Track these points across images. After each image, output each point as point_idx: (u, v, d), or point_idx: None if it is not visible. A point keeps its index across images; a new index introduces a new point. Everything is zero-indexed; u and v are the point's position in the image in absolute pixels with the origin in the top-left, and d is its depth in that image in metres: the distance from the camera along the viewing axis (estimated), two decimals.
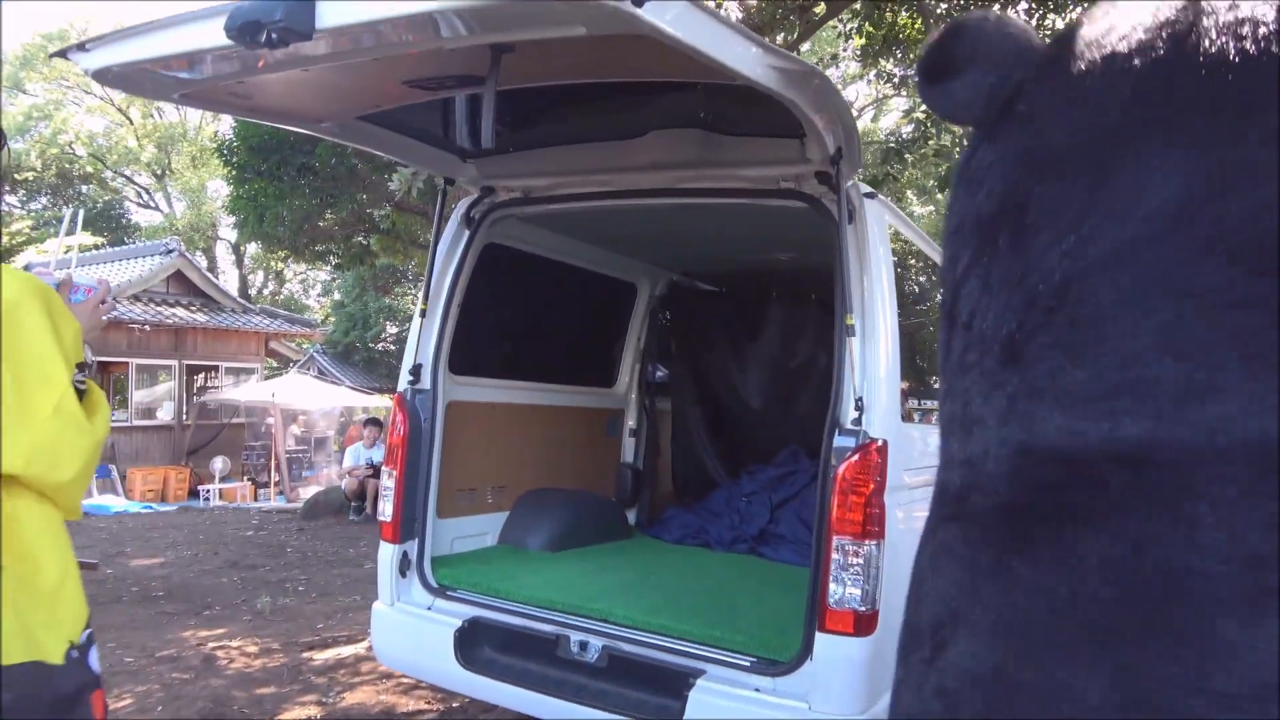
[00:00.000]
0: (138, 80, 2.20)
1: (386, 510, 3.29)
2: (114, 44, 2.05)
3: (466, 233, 3.37)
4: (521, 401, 4.10)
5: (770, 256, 4.31)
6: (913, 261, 3.73)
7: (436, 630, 3.08)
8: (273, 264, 26.99)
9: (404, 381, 3.36)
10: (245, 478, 15.75)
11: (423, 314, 3.35)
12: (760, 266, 4.60)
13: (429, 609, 3.21)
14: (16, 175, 22.94)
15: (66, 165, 25.10)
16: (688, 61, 1.87)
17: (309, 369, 22.99)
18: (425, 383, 3.34)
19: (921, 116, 7.58)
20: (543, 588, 3.23)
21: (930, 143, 7.63)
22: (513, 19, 1.81)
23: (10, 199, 24.59)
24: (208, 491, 14.70)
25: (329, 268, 15.69)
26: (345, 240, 11.40)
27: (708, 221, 3.66)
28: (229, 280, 28.11)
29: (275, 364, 22.01)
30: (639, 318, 4.85)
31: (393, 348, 25.29)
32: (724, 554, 4.24)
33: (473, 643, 3.06)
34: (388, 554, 3.26)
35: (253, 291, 28.89)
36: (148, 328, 14.95)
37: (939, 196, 8.89)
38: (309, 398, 16.90)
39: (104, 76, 2.12)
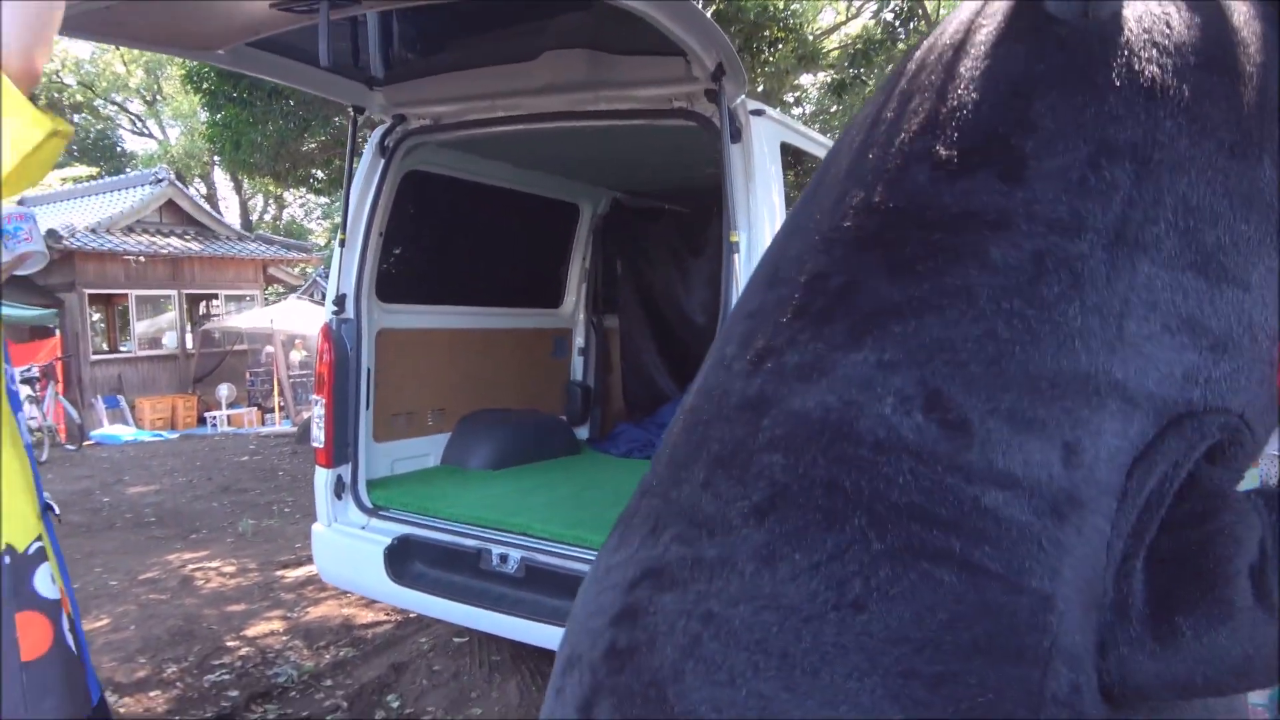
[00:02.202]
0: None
1: (319, 436, 3.41)
2: None
3: (382, 161, 3.39)
4: (459, 326, 4.17)
5: (704, 172, 4.31)
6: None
7: (369, 548, 3.23)
8: (271, 190, 26.87)
9: (328, 312, 3.44)
10: (250, 403, 16.08)
11: (342, 244, 3.40)
12: (699, 182, 4.59)
13: (363, 529, 3.36)
14: None
15: (56, 94, 24.82)
16: None
17: (312, 293, 23.11)
18: (350, 312, 3.42)
19: (889, 18, 7.38)
20: (472, 505, 3.37)
21: (899, 45, 7.43)
22: None
23: None
24: (214, 418, 15.04)
25: (311, 192, 15.62)
26: (326, 163, 11.33)
27: (630, 141, 3.66)
28: (230, 207, 28.06)
29: (281, 289, 22.13)
30: (582, 237, 4.88)
31: None
32: (641, 462, 4.36)
33: (403, 559, 3.21)
34: (322, 478, 3.39)
35: (254, 217, 28.83)
36: (143, 259, 15.06)
37: None
38: (309, 322, 17.07)
39: None
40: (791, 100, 10.65)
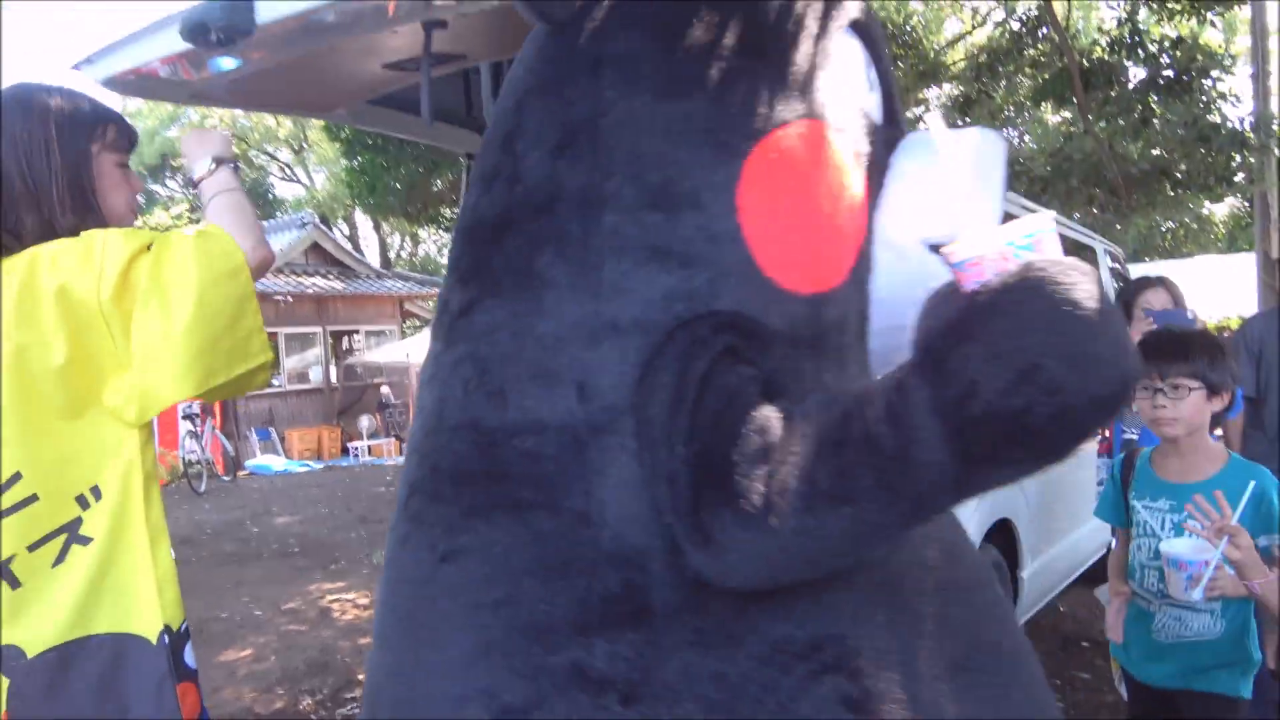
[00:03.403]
0: (143, 86, 2.33)
1: None
2: (109, 55, 2.15)
3: None
4: None
5: None
6: None
7: None
8: (407, 228, 28.13)
9: None
10: (390, 434, 16.79)
11: None
12: None
13: None
14: (174, 162, 24.60)
15: None
16: None
17: None
18: None
19: (1016, 26, 7.03)
20: None
21: (1026, 53, 7.07)
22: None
23: (171, 183, 26.55)
24: (356, 449, 15.76)
25: (442, 230, 16.26)
26: (454, 203, 11.77)
27: None
28: (371, 245, 29.50)
29: (417, 324, 23.10)
30: None
31: None
32: None
33: None
34: None
35: (392, 254, 30.22)
36: (290, 299, 15.99)
37: (1040, 112, 8.23)
38: None
39: (113, 85, 2.23)
40: (914, 116, 10.33)
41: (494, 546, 0.96)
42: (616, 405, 0.93)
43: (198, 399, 1.32)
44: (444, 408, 1.05)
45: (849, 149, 1.03)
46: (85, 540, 1.27)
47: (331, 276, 17.29)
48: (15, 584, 1.25)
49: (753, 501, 0.82)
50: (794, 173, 0.99)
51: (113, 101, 1.73)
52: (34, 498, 1.25)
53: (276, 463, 14.36)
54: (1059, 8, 6.51)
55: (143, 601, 1.30)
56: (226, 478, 12.02)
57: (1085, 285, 0.76)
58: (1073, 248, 4.86)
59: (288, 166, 30.50)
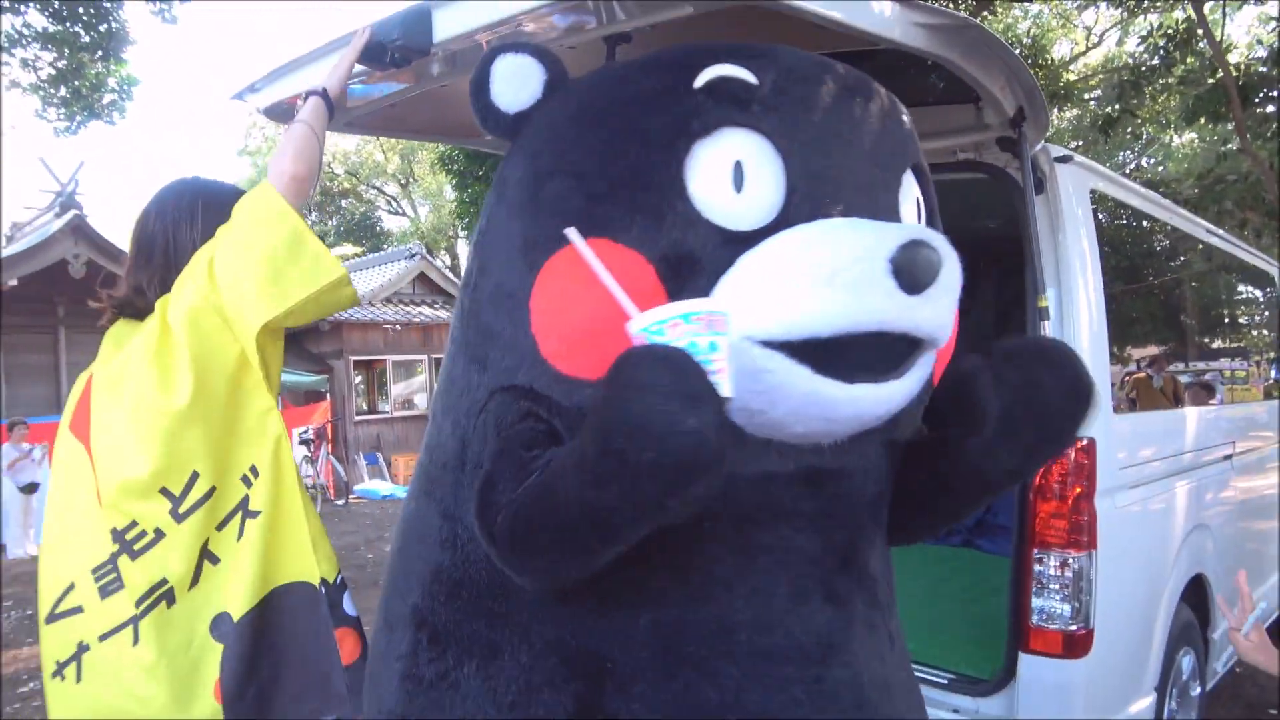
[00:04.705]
0: None
1: None
2: (275, 81, 2.11)
3: None
4: None
5: (983, 226, 3.94)
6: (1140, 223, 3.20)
7: None
8: None
9: None
10: None
11: None
12: (965, 236, 4.21)
13: None
14: None
15: (328, 183, 27.83)
16: (817, 31, 1.69)
17: None
18: None
19: (1161, 41, 6.58)
20: None
21: (1175, 69, 6.61)
22: (619, 8, 1.70)
23: None
24: None
25: None
26: None
27: None
28: None
29: None
30: None
31: None
32: (936, 547, 3.97)
33: None
34: None
35: None
36: (399, 327, 16.34)
37: (1178, 137, 7.62)
38: None
39: (274, 113, 2.19)
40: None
41: (409, 518, 1.44)
42: (467, 440, 1.31)
43: (287, 322, 1.51)
44: (431, 441, 1.46)
45: (647, 258, 1.17)
46: (255, 514, 1.51)
47: (438, 306, 17.61)
48: (215, 561, 1.50)
49: (483, 515, 1.14)
50: (571, 283, 1.17)
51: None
52: (212, 490, 1.49)
53: (383, 487, 14.59)
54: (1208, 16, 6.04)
55: (303, 556, 1.54)
56: (339, 502, 12.25)
57: (652, 371, 0.93)
58: (1238, 267, 4.48)
59: (394, 200, 31.48)
